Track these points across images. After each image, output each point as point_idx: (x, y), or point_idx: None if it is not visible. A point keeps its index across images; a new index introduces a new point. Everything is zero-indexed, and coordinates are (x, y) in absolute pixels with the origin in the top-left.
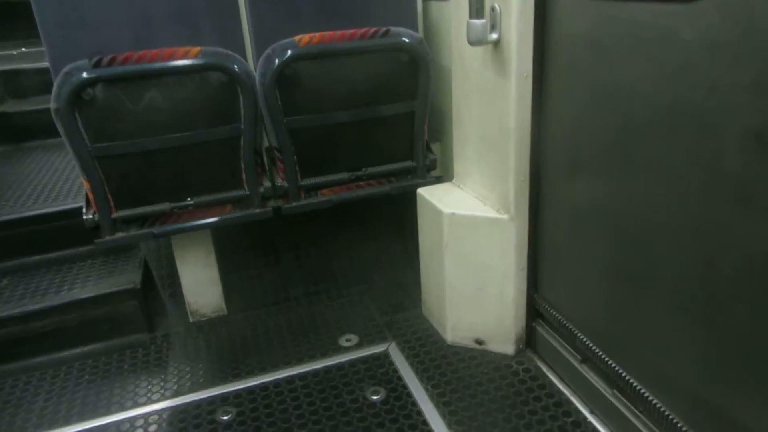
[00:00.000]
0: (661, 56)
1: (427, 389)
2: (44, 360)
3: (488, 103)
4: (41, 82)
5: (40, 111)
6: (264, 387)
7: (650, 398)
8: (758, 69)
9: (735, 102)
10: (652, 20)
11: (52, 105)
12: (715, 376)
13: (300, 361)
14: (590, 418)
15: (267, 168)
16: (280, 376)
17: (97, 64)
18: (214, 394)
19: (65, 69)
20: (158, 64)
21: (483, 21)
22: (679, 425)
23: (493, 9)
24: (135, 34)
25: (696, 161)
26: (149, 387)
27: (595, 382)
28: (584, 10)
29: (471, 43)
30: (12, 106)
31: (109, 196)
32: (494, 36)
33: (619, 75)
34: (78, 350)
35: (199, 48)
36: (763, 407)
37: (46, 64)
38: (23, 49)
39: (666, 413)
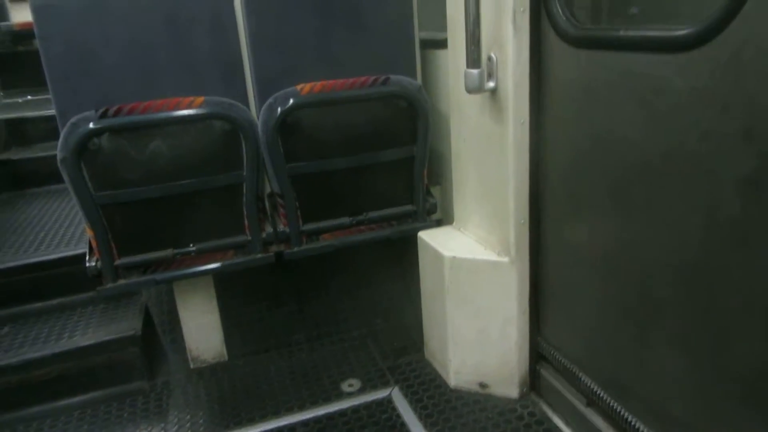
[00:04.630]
0: (654, 104)
1: None
2: (43, 409)
3: (486, 149)
4: (46, 129)
5: (44, 158)
6: None
7: None
8: (748, 116)
9: (727, 148)
10: (644, 69)
11: (59, 154)
12: (720, 418)
13: (302, 407)
14: None
15: (269, 214)
16: (281, 424)
17: (103, 115)
18: None
19: (72, 119)
20: (163, 114)
21: (480, 70)
22: None
23: (489, 58)
24: (141, 84)
25: (693, 204)
26: None
27: (600, 426)
28: (578, 59)
29: (468, 91)
30: (17, 153)
31: (112, 243)
32: (491, 84)
33: (614, 121)
34: (77, 399)
35: (202, 98)
36: None
37: (51, 111)
38: (29, 97)
39: None
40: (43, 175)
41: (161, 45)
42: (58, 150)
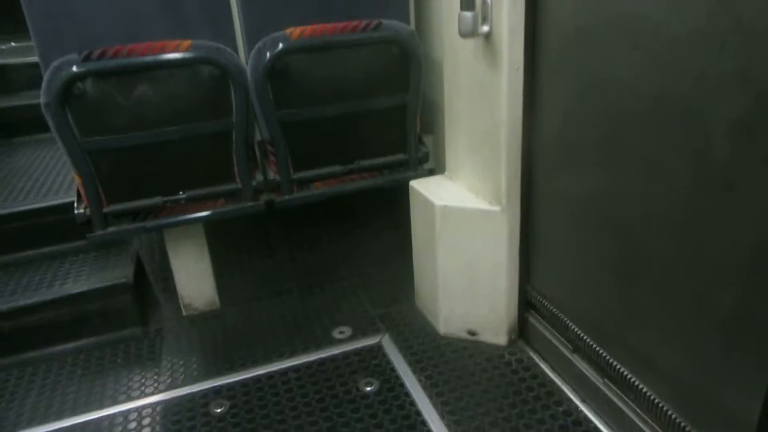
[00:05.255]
0: (649, 47)
1: (420, 380)
2: (36, 355)
3: (480, 96)
4: (31, 76)
5: (30, 106)
6: (257, 380)
7: (640, 386)
8: (744, 59)
9: (721, 92)
10: (641, 11)
11: (42, 99)
12: (701, 363)
13: (293, 353)
14: (581, 406)
15: (259, 161)
16: (273, 369)
17: (86, 58)
18: (207, 387)
19: (55, 63)
20: (149, 58)
21: (474, 13)
22: (668, 412)
23: (484, 1)
24: (125, 27)
25: (684, 151)
26: (142, 381)
27: (586, 372)
28: (574, 1)
29: (462, 35)
30: (1, 101)
31: (101, 191)
32: (485, 28)
33: (609, 66)
34: (71, 345)
35: (190, 41)
36: (747, 392)
37: (35, 58)
38: (12, 44)
39: (655, 401)
40: (29, 124)
41: None
42: (42, 95)
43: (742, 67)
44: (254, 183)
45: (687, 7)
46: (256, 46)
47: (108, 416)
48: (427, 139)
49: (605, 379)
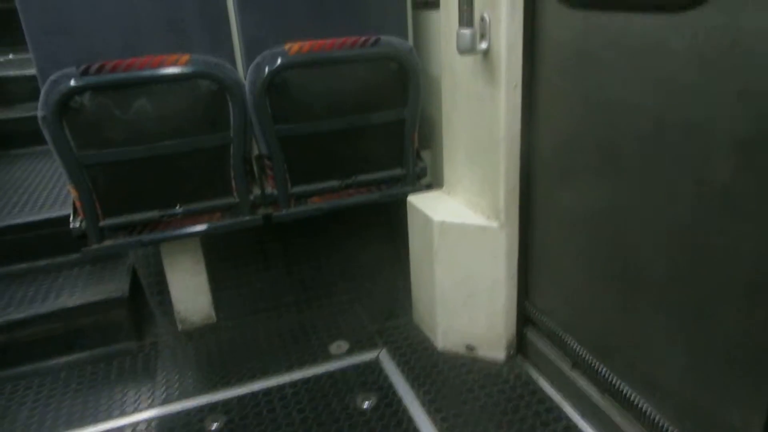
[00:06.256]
0: (649, 66)
1: (418, 396)
2: (30, 369)
3: (478, 112)
4: (29, 89)
5: (27, 118)
6: (254, 395)
7: (639, 403)
8: (744, 78)
9: (722, 111)
10: (640, 30)
11: (39, 113)
12: (702, 380)
13: (290, 368)
14: (581, 423)
15: (257, 176)
16: (270, 384)
17: (85, 72)
18: (203, 402)
19: (53, 76)
20: (147, 72)
21: (472, 30)
22: (669, 429)
23: (482, 18)
24: (124, 41)
25: (684, 169)
26: (137, 395)
27: (585, 387)
28: (573, 20)
29: (460, 52)
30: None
31: (97, 204)
32: (483, 45)
33: (608, 84)
34: (65, 359)
35: (188, 56)
36: (749, 409)
37: (33, 71)
38: (11, 56)
39: (655, 418)
40: (26, 136)
41: (145, 1)
42: (39, 108)
43: (742, 86)
44: (252, 197)
45: (687, 26)
46: (255, 61)
47: (101, 431)
48: (425, 155)
49: (605, 395)
